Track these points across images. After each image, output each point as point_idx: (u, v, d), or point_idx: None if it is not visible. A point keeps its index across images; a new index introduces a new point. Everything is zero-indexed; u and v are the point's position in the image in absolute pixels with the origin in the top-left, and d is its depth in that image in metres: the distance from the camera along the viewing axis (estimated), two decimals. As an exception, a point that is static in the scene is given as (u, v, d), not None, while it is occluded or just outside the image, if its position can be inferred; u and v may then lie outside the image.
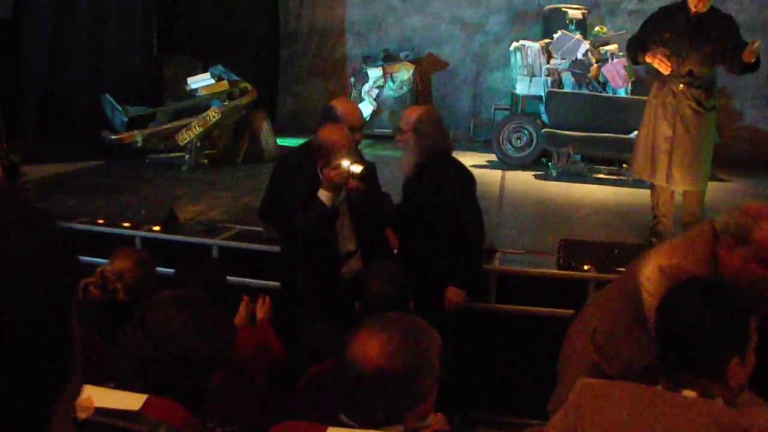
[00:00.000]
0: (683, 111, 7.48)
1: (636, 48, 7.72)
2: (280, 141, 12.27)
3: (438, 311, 5.27)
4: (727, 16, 7.81)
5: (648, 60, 7.50)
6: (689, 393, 2.56)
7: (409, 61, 14.14)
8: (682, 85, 7.47)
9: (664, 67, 7.41)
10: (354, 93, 14.06)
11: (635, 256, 6.55)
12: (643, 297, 3.69)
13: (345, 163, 5.02)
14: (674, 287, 2.81)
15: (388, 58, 14.17)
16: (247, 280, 6.54)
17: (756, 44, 7.26)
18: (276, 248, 6.66)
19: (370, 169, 5.35)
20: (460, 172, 5.62)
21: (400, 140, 5.54)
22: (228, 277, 4.65)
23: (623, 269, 6.44)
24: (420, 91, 14.26)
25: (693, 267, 3.55)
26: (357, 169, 5.05)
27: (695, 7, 7.45)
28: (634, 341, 3.80)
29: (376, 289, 4.15)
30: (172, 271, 4.43)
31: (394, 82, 13.87)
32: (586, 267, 6.48)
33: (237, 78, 11.87)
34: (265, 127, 11.97)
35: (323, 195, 5.07)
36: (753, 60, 7.31)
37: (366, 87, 13.90)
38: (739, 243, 3.54)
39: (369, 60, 14.28)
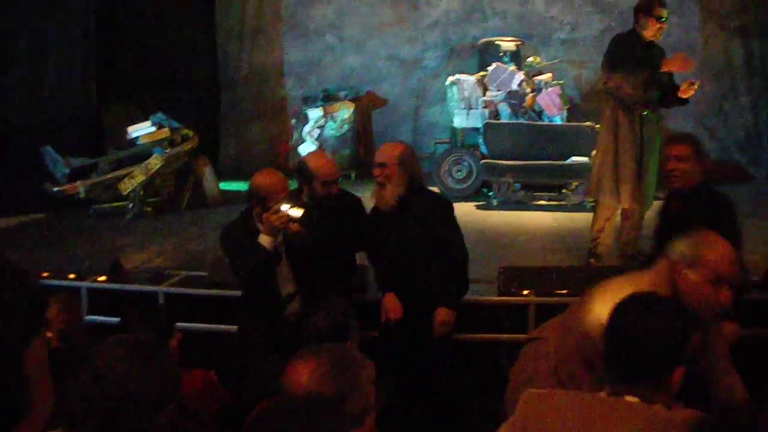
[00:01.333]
0: (650, 135, 7.73)
1: (637, 68, 7.70)
2: (224, 186, 12.35)
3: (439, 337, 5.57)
4: (662, 48, 8.07)
5: (668, 68, 7.67)
6: (631, 399, 2.70)
7: (348, 100, 14.24)
8: (647, 111, 7.71)
9: (690, 63, 7.64)
10: (296, 134, 14.15)
11: (573, 278, 6.77)
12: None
13: (284, 207, 5.12)
14: (621, 303, 2.93)
15: (328, 98, 14.26)
16: (195, 324, 6.59)
17: (696, 85, 7.54)
18: (221, 292, 6.78)
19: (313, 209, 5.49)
20: (441, 198, 5.94)
21: (382, 175, 5.61)
22: (176, 323, 4.72)
23: (563, 291, 6.64)
24: (361, 129, 14.39)
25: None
26: (297, 213, 5.15)
27: (653, 36, 7.71)
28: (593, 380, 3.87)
29: (313, 325, 4.26)
30: (118, 319, 4.50)
31: (334, 122, 13.96)
32: (525, 292, 6.63)
33: (178, 125, 11.90)
34: (208, 172, 12.04)
35: (264, 240, 5.18)
36: (687, 96, 7.59)
37: (307, 128, 13.97)
38: (693, 267, 3.71)
39: (309, 101, 14.36)
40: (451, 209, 5.79)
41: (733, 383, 3.96)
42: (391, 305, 5.61)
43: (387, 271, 5.77)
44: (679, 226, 4.56)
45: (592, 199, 8.93)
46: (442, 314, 5.55)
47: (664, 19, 7.72)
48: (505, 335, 6.34)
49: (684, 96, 7.64)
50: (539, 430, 2.71)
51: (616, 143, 7.77)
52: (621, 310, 2.90)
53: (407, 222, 5.59)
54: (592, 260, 7.92)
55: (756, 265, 7.86)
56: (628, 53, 7.72)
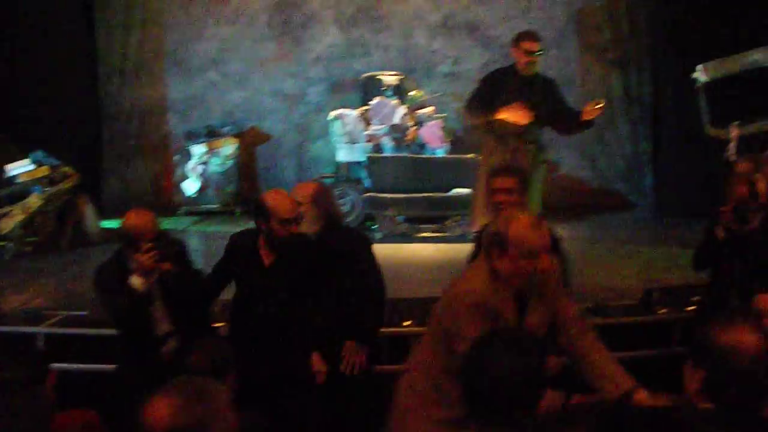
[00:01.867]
0: (522, 164, 7.84)
1: (482, 108, 8.01)
2: (106, 224, 12.15)
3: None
4: (551, 79, 8.25)
5: (504, 116, 7.82)
6: None
7: (232, 136, 14.26)
8: (520, 142, 7.84)
9: (526, 117, 7.74)
10: (179, 171, 14.07)
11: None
12: (445, 329, 4.01)
13: (153, 246, 5.13)
14: (476, 344, 2.98)
15: (212, 134, 14.23)
16: (75, 365, 6.51)
17: (601, 104, 7.71)
18: (101, 332, 6.69)
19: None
20: (358, 235, 5.99)
21: None
22: (53, 364, 4.65)
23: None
24: (245, 165, 14.37)
25: (479, 286, 3.94)
26: (171, 249, 5.20)
27: (522, 71, 7.88)
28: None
29: (192, 364, 4.27)
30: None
31: (218, 158, 13.94)
32: (406, 323, 6.72)
33: (57, 162, 11.73)
34: (89, 210, 11.86)
35: (135, 281, 5.14)
36: (592, 117, 7.75)
37: (191, 164, 13.92)
38: (503, 249, 3.91)
39: (192, 136, 14.30)
40: (369, 245, 5.82)
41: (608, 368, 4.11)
42: (316, 368, 5.55)
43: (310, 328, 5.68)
44: None
45: (474, 231, 9.05)
46: (351, 348, 5.57)
47: (533, 53, 7.91)
48: (387, 367, 6.36)
49: (588, 118, 7.81)
50: None
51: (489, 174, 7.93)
52: (478, 349, 2.93)
53: (325, 260, 5.59)
54: None
55: (633, 289, 8.13)
56: (494, 87, 7.93)
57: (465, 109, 8.41)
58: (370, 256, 5.77)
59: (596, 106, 7.75)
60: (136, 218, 5.29)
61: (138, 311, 5.25)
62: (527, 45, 7.91)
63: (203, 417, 2.56)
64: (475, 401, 2.83)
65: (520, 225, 3.89)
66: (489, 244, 3.98)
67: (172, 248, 5.34)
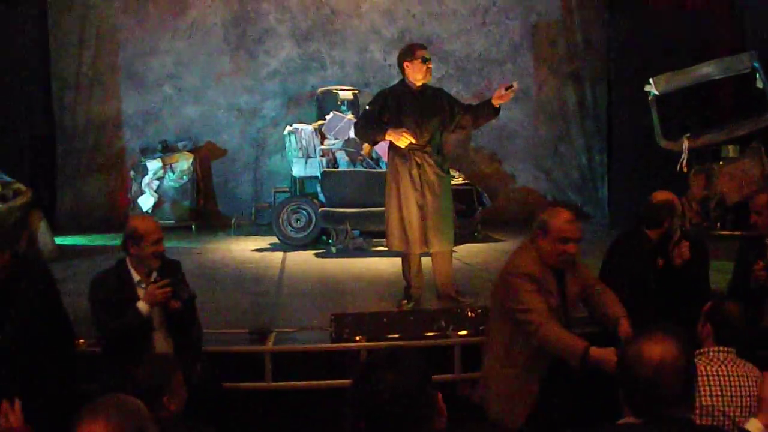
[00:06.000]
0: (429, 178, 7.87)
1: (371, 129, 8.11)
2: (60, 240, 12.09)
3: None
4: (439, 88, 8.33)
5: (390, 137, 7.87)
6: None
7: (187, 151, 14.24)
8: (423, 155, 7.88)
9: (406, 142, 7.79)
10: (135, 186, 14.01)
11: (403, 322, 6.94)
12: (511, 311, 5.18)
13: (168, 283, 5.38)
14: (364, 366, 2.94)
15: (167, 149, 14.20)
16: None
17: (515, 86, 7.77)
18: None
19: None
20: None
21: None
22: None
23: (395, 335, 6.78)
24: (200, 180, 14.34)
25: (524, 262, 5.25)
26: (184, 293, 5.47)
27: (423, 79, 7.93)
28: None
29: (133, 379, 4.29)
30: None
31: (173, 173, 13.90)
32: (357, 338, 6.74)
33: (9, 179, 11.63)
34: (43, 227, 11.74)
35: (143, 307, 5.33)
36: (506, 101, 7.81)
37: (146, 179, 13.87)
38: (544, 233, 5.22)
39: (147, 152, 14.27)
40: None
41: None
42: None
43: None
44: None
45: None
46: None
47: (428, 59, 7.96)
48: (338, 381, 6.36)
49: (501, 101, 7.83)
50: None
51: (399, 191, 7.95)
52: (366, 370, 2.83)
53: None
54: (404, 301, 8.08)
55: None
56: (383, 107, 7.98)
57: (355, 134, 8.63)
58: None
59: (510, 89, 7.76)
60: (143, 220, 5.67)
61: (140, 333, 5.41)
62: (422, 53, 7.96)
63: (138, 429, 2.62)
64: (369, 417, 2.72)
65: (561, 218, 5.24)
66: (537, 229, 5.25)
67: (185, 290, 5.53)
